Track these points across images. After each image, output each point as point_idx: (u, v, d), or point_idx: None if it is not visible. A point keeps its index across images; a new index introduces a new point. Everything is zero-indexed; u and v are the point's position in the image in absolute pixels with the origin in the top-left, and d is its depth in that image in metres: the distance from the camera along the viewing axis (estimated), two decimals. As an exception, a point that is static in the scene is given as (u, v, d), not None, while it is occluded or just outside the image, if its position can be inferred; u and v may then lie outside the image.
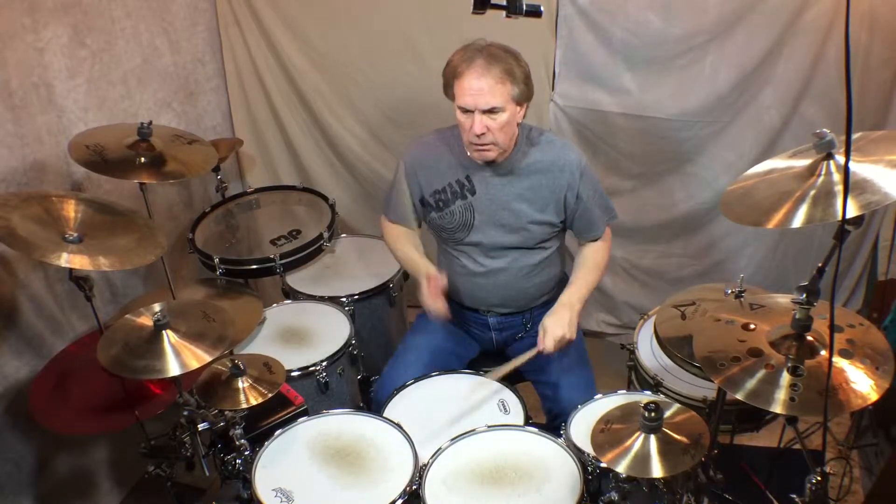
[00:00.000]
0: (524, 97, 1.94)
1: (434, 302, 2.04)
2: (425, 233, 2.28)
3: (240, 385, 1.84)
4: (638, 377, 2.21)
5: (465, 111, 1.91)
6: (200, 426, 1.88)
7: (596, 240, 2.15)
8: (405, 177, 2.15)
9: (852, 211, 1.34)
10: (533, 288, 2.18)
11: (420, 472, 1.75)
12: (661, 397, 1.98)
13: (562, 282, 2.19)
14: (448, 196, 2.09)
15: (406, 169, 2.15)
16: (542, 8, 1.54)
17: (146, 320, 1.75)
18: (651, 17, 2.49)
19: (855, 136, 1.48)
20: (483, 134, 1.90)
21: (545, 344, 1.94)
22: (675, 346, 1.98)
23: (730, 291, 1.98)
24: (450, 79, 1.94)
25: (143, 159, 2.10)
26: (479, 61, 1.87)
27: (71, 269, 1.83)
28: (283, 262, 2.49)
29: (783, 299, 1.70)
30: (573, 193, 2.05)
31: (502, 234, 2.09)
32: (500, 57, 1.89)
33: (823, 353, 1.48)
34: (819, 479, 1.48)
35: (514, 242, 2.10)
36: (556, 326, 1.95)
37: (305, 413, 1.99)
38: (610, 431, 1.62)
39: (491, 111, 1.88)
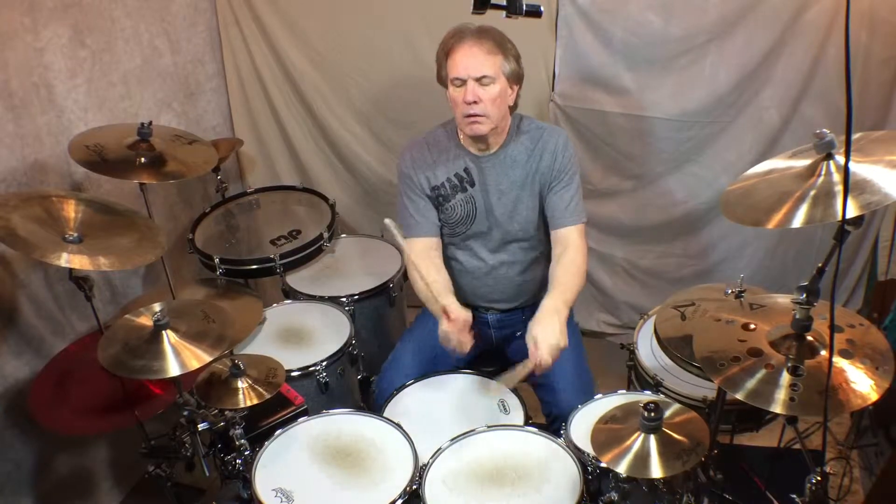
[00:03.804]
0: (515, 77, 1.97)
1: (460, 337, 1.92)
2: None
3: (240, 385, 1.84)
4: (638, 377, 2.21)
5: (458, 83, 1.93)
6: (200, 426, 1.88)
7: (567, 226, 2.04)
8: (408, 179, 2.12)
9: (852, 211, 1.34)
10: (533, 282, 2.18)
11: (420, 472, 1.75)
12: (661, 397, 1.98)
13: None
14: (448, 190, 2.10)
15: (405, 174, 2.13)
16: (542, 8, 1.54)
17: (146, 320, 1.75)
18: (651, 17, 2.49)
19: (855, 136, 1.48)
20: (475, 103, 1.91)
21: (541, 356, 1.81)
22: (675, 346, 1.98)
23: (730, 291, 1.98)
24: (442, 58, 1.96)
25: (143, 159, 2.10)
26: (471, 35, 1.92)
27: (71, 269, 1.83)
28: (283, 262, 2.49)
29: (783, 299, 1.70)
30: (555, 167, 2.03)
31: (501, 224, 2.09)
32: (492, 32, 1.93)
33: (823, 353, 1.47)
34: (819, 479, 1.48)
35: (515, 234, 2.10)
36: (548, 335, 1.83)
37: (305, 413, 1.99)
38: (610, 431, 1.62)
39: (483, 80, 1.90)
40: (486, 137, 2.00)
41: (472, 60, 1.90)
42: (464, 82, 1.91)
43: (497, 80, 1.92)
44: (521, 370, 1.90)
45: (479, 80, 1.90)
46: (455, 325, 1.91)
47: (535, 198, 2.07)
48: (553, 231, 2.08)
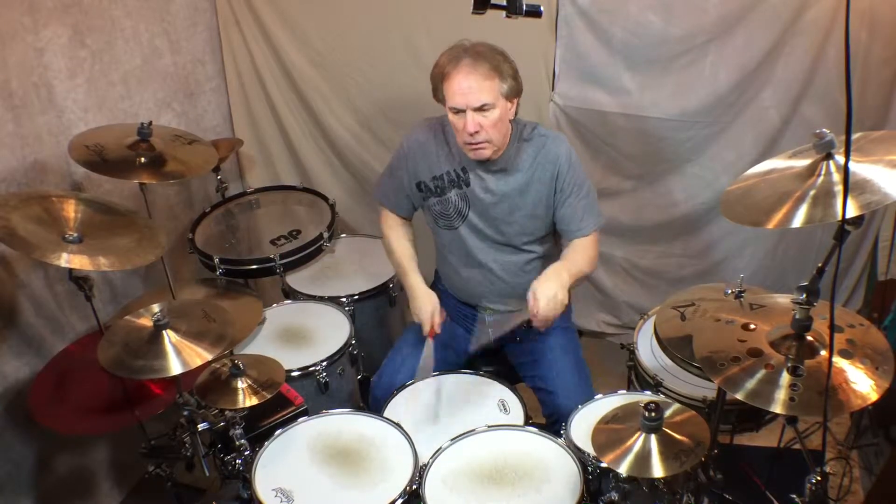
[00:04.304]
0: (514, 92, 1.95)
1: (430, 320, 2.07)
2: (425, 237, 2.28)
3: (240, 385, 1.84)
4: (638, 377, 2.21)
5: (457, 111, 1.92)
6: (200, 426, 1.88)
7: (580, 237, 2.08)
8: (404, 159, 2.14)
9: (852, 211, 1.34)
10: (528, 286, 2.17)
11: (420, 472, 1.75)
12: (661, 397, 1.98)
13: None
14: (445, 183, 2.10)
15: (406, 150, 2.14)
16: (542, 8, 1.54)
17: (146, 320, 1.75)
18: (651, 17, 2.49)
19: (855, 136, 1.48)
20: (476, 132, 1.90)
21: (539, 306, 1.87)
22: (675, 347, 1.98)
23: (730, 291, 1.97)
24: (438, 82, 1.95)
25: (143, 159, 2.10)
26: (466, 60, 1.88)
27: (71, 269, 1.83)
28: (283, 262, 2.49)
29: (783, 299, 1.70)
30: (559, 184, 2.03)
31: (495, 228, 2.09)
32: (487, 55, 1.90)
33: (823, 353, 1.48)
34: (819, 479, 1.48)
35: (509, 237, 2.10)
36: (547, 289, 1.88)
37: (305, 413, 1.99)
38: (611, 431, 1.62)
39: (482, 108, 1.89)
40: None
41: (469, 88, 1.87)
42: (462, 111, 1.90)
43: (496, 104, 1.90)
44: (514, 319, 1.97)
45: (478, 109, 1.88)
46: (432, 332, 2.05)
47: (533, 205, 2.06)
48: (566, 241, 2.12)
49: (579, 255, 2.07)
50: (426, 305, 2.08)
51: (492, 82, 1.88)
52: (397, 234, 2.24)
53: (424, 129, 2.14)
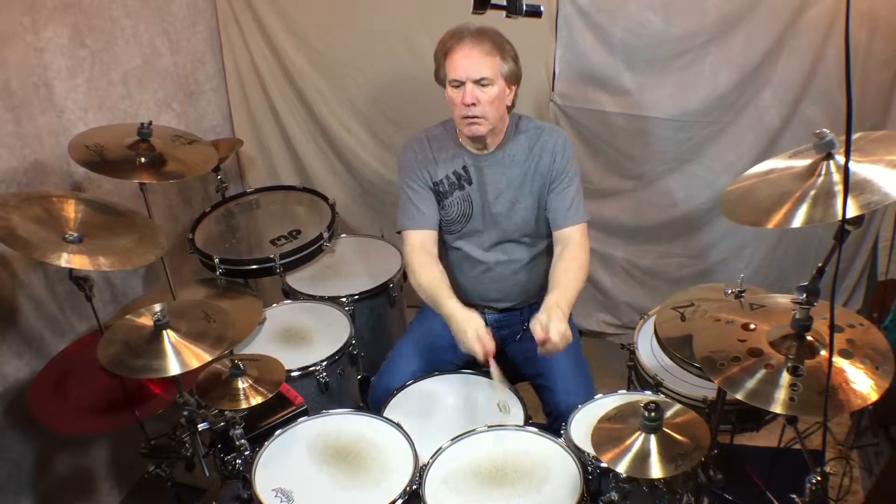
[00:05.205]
0: (513, 77, 1.98)
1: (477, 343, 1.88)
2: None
3: (240, 385, 1.84)
4: (638, 377, 2.21)
5: (456, 84, 1.93)
6: (200, 426, 1.88)
7: (569, 226, 2.05)
8: (411, 172, 2.13)
9: (852, 211, 1.34)
10: (530, 281, 2.19)
11: (420, 472, 1.75)
12: (661, 397, 1.98)
13: None
14: (446, 188, 2.10)
15: (407, 166, 2.14)
16: (542, 8, 1.54)
17: (146, 320, 1.75)
18: (651, 17, 2.49)
19: (855, 136, 1.48)
20: (473, 104, 1.92)
21: (550, 337, 1.77)
22: (675, 347, 1.98)
23: (730, 291, 1.98)
24: (441, 58, 1.97)
25: (143, 159, 2.10)
26: (470, 37, 1.93)
27: (71, 269, 1.83)
28: (283, 262, 2.49)
29: (783, 299, 1.71)
30: (555, 168, 2.04)
31: (499, 223, 2.10)
32: (490, 34, 1.94)
33: (823, 353, 1.48)
34: (819, 479, 1.48)
35: (512, 233, 2.11)
36: (556, 321, 1.81)
37: (305, 413, 1.99)
38: (610, 431, 1.62)
39: (481, 82, 1.91)
40: (483, 137, 2.01)
41: (470, 62, 1.91)
42: (462, 84, 1.92)
43: (495, 81, 1.93)
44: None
45: (477, 81, 1.91)
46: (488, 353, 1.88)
47: (533, 197, 2.07)
48: (555, 232, 2.09)
49: (571, 271, 1.99)
50: (468, 329, 1.88)
51: (493, 59, 1.92)
52: (421, 262, 2.06)
53: (415, 143, 2.15)
